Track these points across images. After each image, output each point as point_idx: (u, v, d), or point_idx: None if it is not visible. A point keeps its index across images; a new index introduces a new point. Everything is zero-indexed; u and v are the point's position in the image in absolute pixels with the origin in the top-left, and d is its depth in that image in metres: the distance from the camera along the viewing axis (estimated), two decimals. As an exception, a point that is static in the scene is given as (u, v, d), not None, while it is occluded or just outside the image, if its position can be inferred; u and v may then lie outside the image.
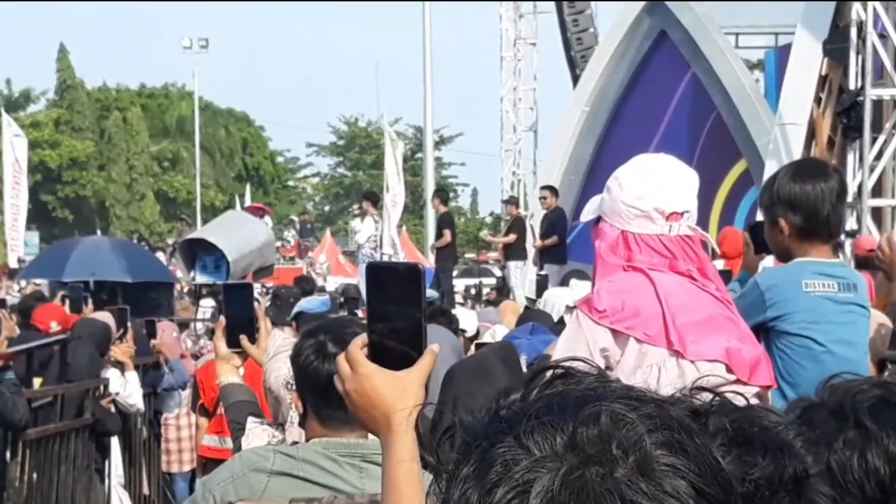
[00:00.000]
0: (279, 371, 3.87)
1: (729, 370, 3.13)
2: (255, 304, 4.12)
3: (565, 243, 18.08)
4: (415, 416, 1.99)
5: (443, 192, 21.60)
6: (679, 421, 1.11)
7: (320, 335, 3.29)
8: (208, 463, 7.81)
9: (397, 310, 2.08)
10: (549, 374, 1.22)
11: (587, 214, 3.47)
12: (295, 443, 3.52)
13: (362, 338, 2.10)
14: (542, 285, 8.39)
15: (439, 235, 19.57)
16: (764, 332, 3.93)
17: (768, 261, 4.72)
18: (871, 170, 11.13)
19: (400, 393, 2.04)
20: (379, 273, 2.13)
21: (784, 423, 1.18)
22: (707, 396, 1.19)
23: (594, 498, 1.05)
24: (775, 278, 4.02)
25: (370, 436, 3.41)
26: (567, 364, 1.23)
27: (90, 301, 10.45)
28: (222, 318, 4.08)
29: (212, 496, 3.21)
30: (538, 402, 1.17)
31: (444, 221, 19.81)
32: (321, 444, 3.25)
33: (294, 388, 3.44)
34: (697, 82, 19.76)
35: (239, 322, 3.99)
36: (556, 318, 6.35)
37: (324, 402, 3.28)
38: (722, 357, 3.12)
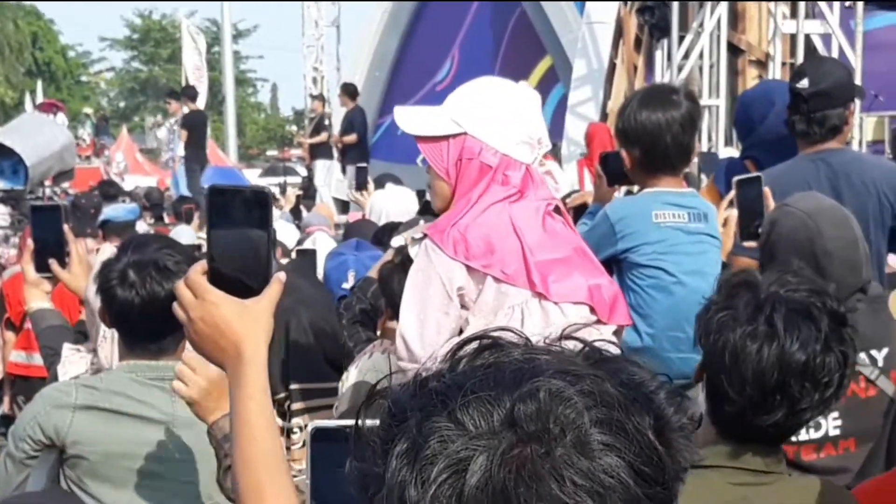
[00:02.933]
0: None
1: (592, 311, 2.94)
2: (65, 226, 3.91)
3: (366, 141, 17.86)
4: (265, 349, 1.88)
5: (190, 89, 20.44)
6: (617, 398, 1.08)
7: (122, 259, 3.10)
8: (17, 380, 7.54)
9: (241, 237, 1.91)
10: (475, 344, 1.17)
11: (432, 126, 3.00)
12: (98, 371, 3.36)
13: (202, 264, 1.92)
14: (361, 179, 8.21)
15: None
16: (616, 264, 3.88)
17: None
18: (679, 69, 11.21)
19: (251, 321, 1.88)
20: (222, 197, 1.93)
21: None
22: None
23: (532, 477, 1.03)
24: (625, 209, 3.94)
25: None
26: (494, 334, 1.18)
27: None
28: (30, 242, 3.87)
29: (23, 442, 3.06)
30: (471, 374, 1.12)
31: (186, 121, 18.12)
32: (127, 367, 3.11)
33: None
34: (502, -22, 19.72)
35: (48, 245, 3.81)
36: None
37: (130, 332, 3.13)
38: (586, 298, 2.92)
